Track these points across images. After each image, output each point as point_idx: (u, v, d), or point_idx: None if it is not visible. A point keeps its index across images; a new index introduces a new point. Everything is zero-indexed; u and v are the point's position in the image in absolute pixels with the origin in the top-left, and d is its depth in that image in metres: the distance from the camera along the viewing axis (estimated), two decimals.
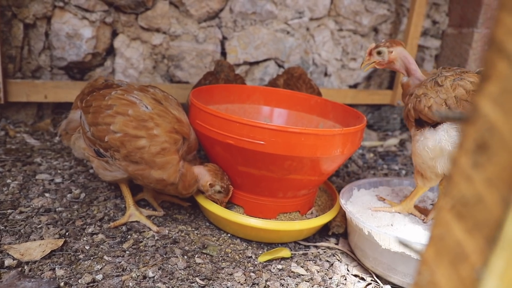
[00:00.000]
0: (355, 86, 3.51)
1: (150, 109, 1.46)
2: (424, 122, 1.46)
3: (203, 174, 1.57)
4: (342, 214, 1.72)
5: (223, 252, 1.51)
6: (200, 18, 2.82)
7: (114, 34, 2.67)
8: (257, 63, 3.09)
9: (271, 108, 2.12)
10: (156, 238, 1.53)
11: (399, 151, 2.84)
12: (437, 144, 1.42)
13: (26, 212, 1.57)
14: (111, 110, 1.43)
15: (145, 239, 1.51)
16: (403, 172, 2.51)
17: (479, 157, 0.39)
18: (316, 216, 1.71)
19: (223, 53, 2.97)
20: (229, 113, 2.04)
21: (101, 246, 1.43)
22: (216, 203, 1.60)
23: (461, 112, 1.30)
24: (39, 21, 2.46)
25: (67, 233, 1.47)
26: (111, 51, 2.69)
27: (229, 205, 1.69)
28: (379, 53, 1.62)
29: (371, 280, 1.48)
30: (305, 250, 1.62)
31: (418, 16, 3.14)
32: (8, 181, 1.78)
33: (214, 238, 1.60)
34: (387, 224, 1.58)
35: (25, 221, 1.51)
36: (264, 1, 2.93)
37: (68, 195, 1.73)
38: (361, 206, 1.71)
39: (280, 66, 3.16)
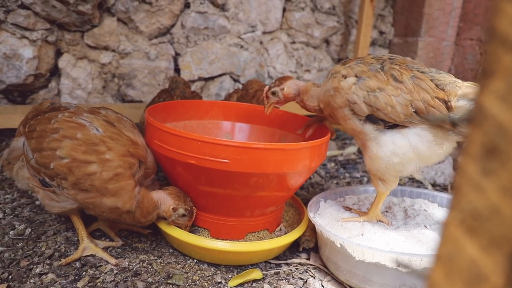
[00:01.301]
0: None
1: (101, 131, 1.35)
2: (379, 121, 1.42)
3: (164, 199, 1.46)
4: (311, 228, 1.67)
5: (190, 280, 1.41)
6: (151, 35, 2.72)
7: (59, 53, 2.50)
8: (212, 78, 3.03)
9: (231, 123, 2.05)
10: (115, 271, 1.39)
11: (359, 159, 2.87)
12: (411, 149, 1.40)
13: None
14: (57, 134, 1.30)
15: (102, 274, 1.37)
16: (365, 179, 2.53)
17: (489, 163, 0.35)
18: (285, 233, 1.65)
19: (177, 70, 2.89)
20: (188, 130, 1.95)
21: (51, 287, 1.27)
22: (180, 227, 1.49)
23: (464, 115, 1.33)
24: None
25: (10, 277, 1.30)
26: (55, 72, 2.51)
27: (193, 228, 1.59)
28: (273, 93, 1.67)
29: None
30: (277, 269, 1.55)
31: (366, 27, 3.24)
32: None
33: (180, 265, 1.49)
34: (357, 234, 1.55)
35: None
36: (216, 16, 2.89)
37: (11, 232, 1.55)
38: (330, 217, 1.68)
39: (235, 80, 3.12)
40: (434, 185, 2.49)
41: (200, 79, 2.97)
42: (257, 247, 1.45)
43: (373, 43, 3.65)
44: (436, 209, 1.77)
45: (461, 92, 1.36)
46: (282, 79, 1.66)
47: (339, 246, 1.38)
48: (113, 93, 2.71)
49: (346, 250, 1.36)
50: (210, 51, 2.94)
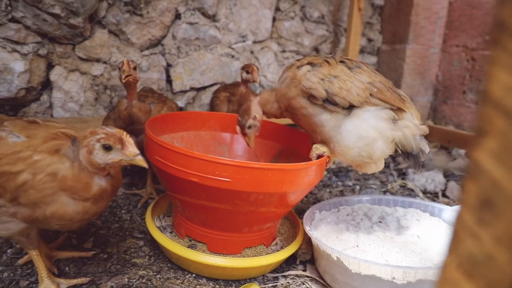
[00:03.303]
0: None
1: (22, 137, 1.20)
2: (334, 106, 1.47)
3: (81, 156, 1.20)
4: (307, 240, 1.70)
5: None
6: (142, 46, 2.73)
7: (50, 66, 2.49)
8: (204, 88, 3.05)
9: (228, 134, 2.08)
10: None
11: (350, 167, 2.91)
12: (373, 128, 1.46)
13: None
14: None
15: None
16: (357, 187, 2.57)
17: (484, 214, 0.38)
18: (281, 247, 1.68)
19: (169, 81, 2.90)
20: (185, 141, 1.97)
21: None
22: (134, 163, 1.23)
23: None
24: None
25: None
26: (47, 85, 2.50)
27: (192, 242, 1.61)
28: (250, 127, 1.69)
29: None
30: (274, 282, 1.57)
31: (355, 35, 3.30)
32: None
33: (179, 280, 1.50)
34: (352, 245, 1.59)
35: None
36: (206, 26, 2.91)
37: (8, 251, 1.54)
38: (325, 229, 1.71)
39: None
40: (424, 192, 2.55)
41: (192, 89, 2.99)
42: (255, 263, 1.47)
43: (362, 51, 3.71)
44: (427, 218, 1.82)
45: (411, 107, 1.54)
46: (246, 110, 1.67)
47: (335, 259, 1.42)
48: (105, 105, 2.71)
49: (343, 263, 1.40)
50: (202, 62, 2.96)
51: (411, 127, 1.50)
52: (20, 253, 1.54)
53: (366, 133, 1.47)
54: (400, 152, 1.53)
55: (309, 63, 1.51)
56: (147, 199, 2.12)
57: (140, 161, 1.22)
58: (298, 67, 1.52)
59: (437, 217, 1.84)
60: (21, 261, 1.47)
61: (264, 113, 1.70)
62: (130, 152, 1.20)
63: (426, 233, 1.68)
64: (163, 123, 1.83)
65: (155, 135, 1.76)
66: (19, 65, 2.33)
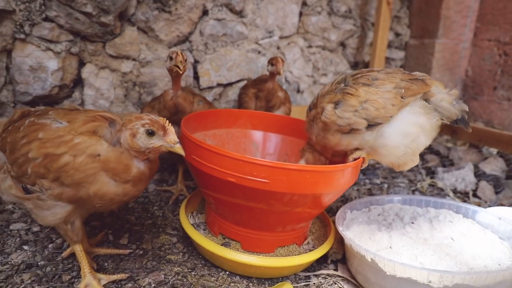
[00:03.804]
0: None
1: (64, 123, 1.26)
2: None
3: (123, 136, 1.26)
4: (338, 240, 1.70)
5: None
6: (170, 43, 2.76)
7: (81, 64, 2.54)
8: (230, 84, 3.06)
9: (259, 132, 2.09)
10: (153, 285, 1.44)
11: (377, 164, 2.89)
12: (414, 125, 1.50)
13: (5, 270, 1.43)
14: (26, 138, 1.26)
15: (141, 287, 1.42)
16: (385, 185, 2.55)
17: None
18: (313, 246, 1.69)
19: (196, 77, 2.92)
20: (217, 138, 1.99)
21: None
22: (172, 150, 1.29)
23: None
24: None
25: None
26: (79, 82, 2.56)
27: (225, 240, 1.63)
28: None
29: None
30: (306, 281, 1.59)
31: (383, 30, 3.24)
32: None
33: (213, 278, 1.53)
34: (385, 247, 1.58)
35: (6, 281, 1.38)
36: (234, 22, 2.91)
37: (50, 246, 1.60)
38: (357, 229, 1.71)
39: None
40: (455, 191, 2.50)
41: (218, 85, 3.01)
42: (287, 263, 1.49)
43: (389, 45, 3.64)
44: (461, 220, 1.79)
45: (434, 83, 1.54)
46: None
47: (369, 260, 1.42)
48: (134, 101, 2.76)
49: (377, 265, 1.40)
50: (229, 58, 2.96)
51: (445, 98, 1.53)
52: (60, 248, 1.60)
53: (409, 129, 1.51)
54: (449, 123, 1.58)
55: (330, 103, 1.52)
56: (177, 195, 2.15)
57: (179, 149, 1.28)
58: (321, 113, 1.54)
59: (471, 219, 1.81)
60: (64, 254, 1.52)
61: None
62: (171, 139, 1.27)
63: (459, 236, 1.66)
64: (196, 121, 1.85)
65: (189, 132, 1.79)
66: (52, 63, 2.39)
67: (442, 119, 1.55)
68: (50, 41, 2.38)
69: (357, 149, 1.58)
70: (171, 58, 1.83)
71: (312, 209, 1.50)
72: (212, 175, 1.41)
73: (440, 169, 2.64)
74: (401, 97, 1.48)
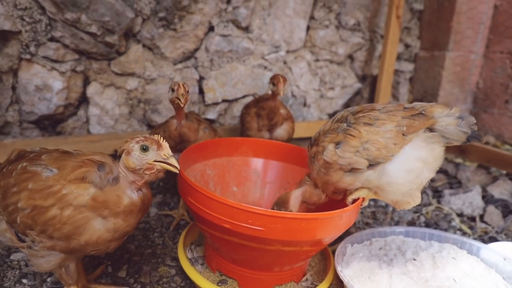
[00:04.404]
0: (334, 114, 3.51)
1: (55, 170, 1.26)
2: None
3: (121, 162, 1.26)
4: (337, 275, 1.68)
5: None
6: (175, 60, 2.74)
7: (86, 81, 2.55)
8: (235, 100, 3.04)
9: (260, 160, 2.07)
10: None
11: None
12: (417, 159, 1.48)
13: None
14: (16, 187, 1.25)
15: None
16: (390, 208, 2.51)
17: None
18: (312, 283, 1.68)
19: (201, 93, 2.91)
20: (217, 167, 1.98)
21: None
22: (166, 167, 1.26)
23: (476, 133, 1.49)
24: (5, 75, 2.31)
25: None
26: (83, 100, 2.57)
27: (222, 278, 1.63)
28: None
29: None
30: None
31: (393, 44, 3.18)
32: None
33: None
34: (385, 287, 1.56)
35: None
36: (240, 38, 2.88)
37: (48, 279, 1.62)
38: (357, 267, 1.69)
39: None
40: (461, 215, 2.46)
41: (223, 101, 2.99)
42: None
43: (398, 58, 3.57)
44: (465, 257, 1.76)
45: (435, 109, 1.51)
46: (283, 202, 1.67)
47: None
48: (139, 118, 2.76)
49: None
50: (234, 74, 2.94)
51: (450, 122, 1.50)
52: (59, 282, 1.61)
53: (413, 165, 1.49)
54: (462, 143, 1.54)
55: (331, 143, 1.51)
56: (178, 220, 2.15)
57: (173, 161, 1.25)
58: (321, 153, 1.52)
59: (475, 255, 1.77)
60: None
61: (310, 206, 1.71)
62: (165, 153, 1.25)
63: (462, 276, 1.63)
64: (196, 152, 1.84)
65: (189, 165, 1.78)
66: (57, 83, 2.40)
67: (451, 143, 1.52)
68: (56, 61, 2.39)
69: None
70: (172, 90, 1.82)
71: (310, 250, 1.49)
72: (207, 219, 1.40)
73: (447, 192, 2.59)
74: (403, 135, 1.46)
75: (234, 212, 1.32)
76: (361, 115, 1.51)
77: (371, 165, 1.47)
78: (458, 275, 1.64)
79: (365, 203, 1.59)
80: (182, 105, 1.81)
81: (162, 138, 1.27)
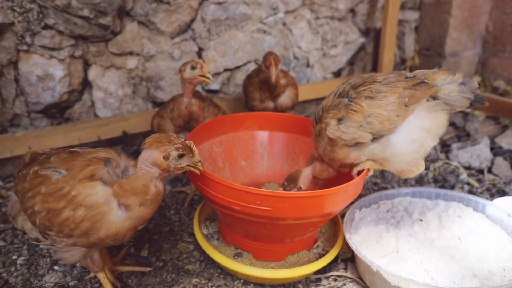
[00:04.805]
0: (338, 72, 3.46)
1: (63, 172, 1.32)
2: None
3: (149, 156, 1.31)
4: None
5: None
6: (172, 33, 2.70)
7: (86, 66, 2.55)
8: (238, 67, 3.01)
9: (265, 133, 2.10)
10: None
11: None
12: (421, 129, 1.49)
13: None
14: (31, 192, 1.32)
15: None
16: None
17: None
18: (323, 249, 1.76)
19: None
20: (224, 144, 2.02)
21: None
22: (192, 170, 1.39)
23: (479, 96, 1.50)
24: (5, 68, 2.33)
25: None
26: (86, 85, 2.58)
27: (238, 251, 1.72)
28: None
29: None
30: (317, 284, 1.68)
31: None
32: (14, 257, 1.77)
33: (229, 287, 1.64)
34: (392, 251, 1.63)
35: None
36: (235, 4, 2.80)
37: (77, 264, 1.74)
38: (365, 232, 1.76)
39: None
40: (469, 168, 2.48)
41: (226, 70, 2.96)
42: (298, 273, 1.57)
43: (402, 7, 3.43)
44: (470, 214, 1.81)
45: (437, 76, 1.51)
46: (293, 179, 1.70)
47: (375, 271, 1.48)
48: (143, 95, 2.77)
49: (382, 276, 1.46)
50: (233, 42, 2.89)
51: (452, 88, 1.50)
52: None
53: (416, 135, 1.51)
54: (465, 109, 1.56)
55: (333, 119, 1.51)
56: (192, 196, 2.23)
57: (201, 166, 1.39)
58: (325, 129, 1.53)
59: (480, 212, 1.82)
60: (92, 274, 1.64)
61: (320, 181, 1.74)
62: (196, 159, 1.37)
63: (467, 235, 1.68)
64: (201, 132, 1.87)
65: (196, 145, 1.82)
66: (58, 71, 2.41)
67: (455, 110, 1.52)
68: (53, 49, 2.38)
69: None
70: (193, 68, 1.82)
71: (319, 221, 1.56)
72: (218, 202, 1.46)
73: (455, 146, 2.60)
74: (406, 106, 1.46)
75: (242, 195, 1.37)
76: (362, 88, 1.50)
77: (375, 138, 1.49)
78: (463, 233, 1.70)
79: (370, 173, 1.62)
80: (211, 81, 1.85)
81: (193, 144, 1.37)
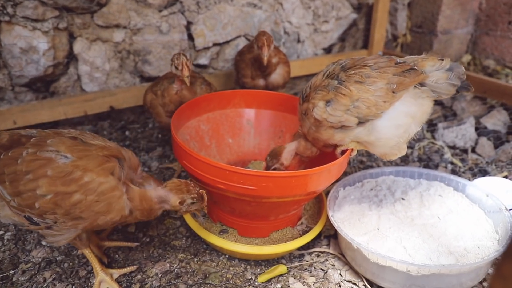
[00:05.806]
0: (329, 48, 3.43)
1: (70, 157, 1.31)
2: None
3: (166, 196, 1.46)
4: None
5: (224, 279, 1.61)
6: (160, 6, 2.64)
7: (72, 39, 2.49)
8: (227, 42, 2.97)
9: (252, 110, 2.10)
10: (160, 275, 1.60)
11: None
12: (406, 115, 1.52)
13: (29, 270, 1.61)
14: (30, 175, 1.28)
15: (149, 278, 1.59)
16: None
17: None
18: (306, 226, 1.80)
19: (191, 38, 2.83)
20: (211, 122, 2.02)
21: None
22: (197, 213, 1.58)
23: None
24: None
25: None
26: (72, 58, 2.53)
27: (223, 227, 1.76)
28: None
29: (363, 285, 1.61)
30: (300, 259, 1.73)
31: None
32: (1, 232, 1.79)
33: (214, 263, 1.69)
34: (373, 228, 1.68)
35: (30, 280, 1.56)
36: None
37: None
38: (348, 210, 1.80)
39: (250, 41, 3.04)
40: (454, 147, 2.52)
41: (215, 45, 2.92)
42: (281, 249, 1.61)
43: None
44: (451, 193, 1.85)
45: (426, 63, 1.50)
46: (276, 155, 1.72)
47: (355, 248, 1.52)
48: (130, 69, 2.73)
49: (362, 253, 1.51)
50: (223, 15, 2.83)
51: (440, 75, 1.51)
52: None
53: (401, 121, 1.52)
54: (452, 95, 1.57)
55: (321, 100, 1.51)
56: (179, 172, 2.25)
57: (206, 209, 1.56)
58: (312, 109, 1.53)
59: (461, 192, 1.86)
60: (79, 251, 1.68)
61: (304, 158, 1.76)
62: (204, 205, 1.52)
63: (446, 213, 1.73)
64: (188, 110, 1.87)
65: (183, 123, 1.83)
66: (42, 44, 2.36)
67: (441, 97, 1.54)
68: (36, 20, 2.32)
69: None
70: (176, 68, 1.87)
71: (303, 200, 1.59)
72: (202, 180, 1.48)
73: (441, 125, 2.63)
74: (393, 92, 1.46)
75: (226, 174, 1.39)
76: (352, 72, 1.49)
77: (361, 122, 1.50)
78: (442, 212, 1.75)
79: (354, 154, 1.64)
80: (188, 85, 1.90)
81: (205, 192, 1.49)
